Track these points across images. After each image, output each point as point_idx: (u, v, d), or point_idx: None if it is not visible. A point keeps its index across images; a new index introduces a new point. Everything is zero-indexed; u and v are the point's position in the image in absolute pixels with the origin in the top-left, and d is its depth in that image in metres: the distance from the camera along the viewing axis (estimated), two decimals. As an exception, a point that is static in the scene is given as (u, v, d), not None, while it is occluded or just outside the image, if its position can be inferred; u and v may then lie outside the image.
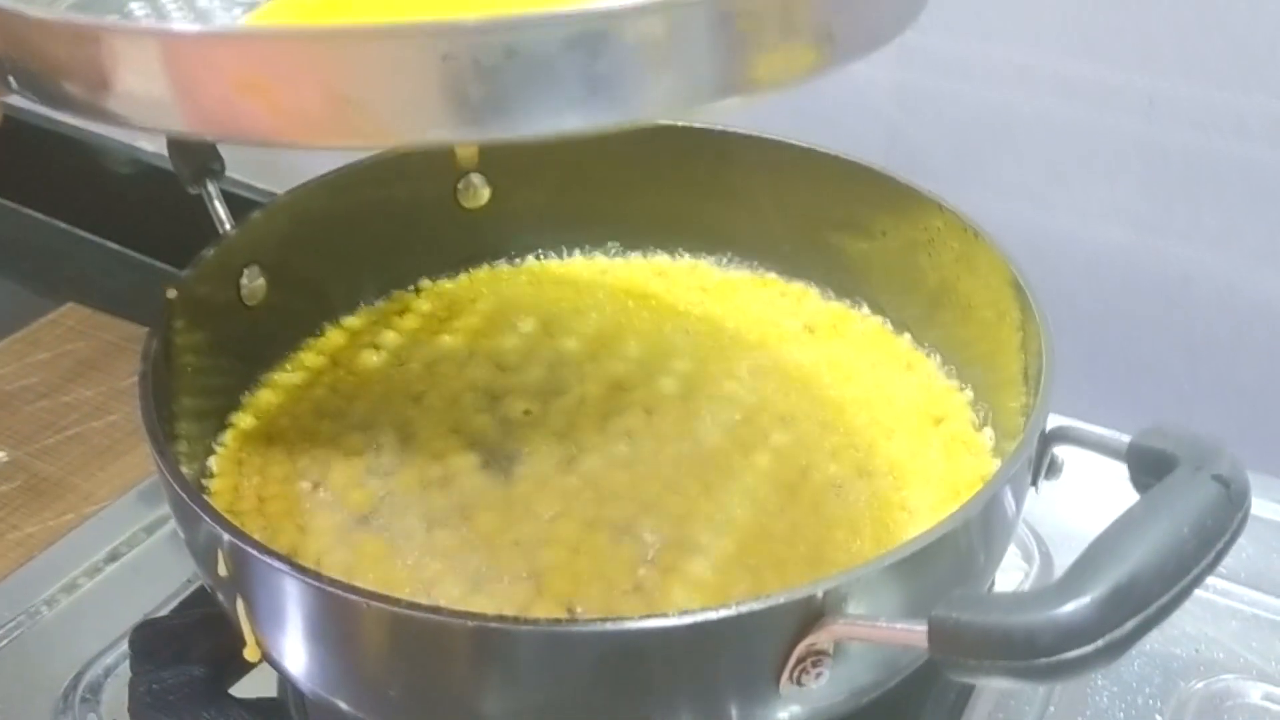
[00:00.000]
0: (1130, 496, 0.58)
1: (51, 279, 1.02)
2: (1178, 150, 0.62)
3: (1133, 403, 0.68)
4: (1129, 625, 0.32)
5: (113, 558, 0.59)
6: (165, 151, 0.98)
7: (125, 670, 0.52)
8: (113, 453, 0.84)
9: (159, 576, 0.58)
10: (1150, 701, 0.52)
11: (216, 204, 0.53)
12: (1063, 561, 0.58)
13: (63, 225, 1.08)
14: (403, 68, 0.28)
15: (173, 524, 0.60)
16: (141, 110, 0.31)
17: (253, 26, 0.38)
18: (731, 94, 0.31)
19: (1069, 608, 0.32)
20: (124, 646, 0.53)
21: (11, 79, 0.33)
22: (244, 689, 0.51)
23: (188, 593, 0.57)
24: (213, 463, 0.51)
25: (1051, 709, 0.51)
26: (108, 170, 1.03)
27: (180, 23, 0.41)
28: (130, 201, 1.04)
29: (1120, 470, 0.60)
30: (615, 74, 0.29)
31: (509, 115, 0.28)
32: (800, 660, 0.37)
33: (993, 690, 0.52)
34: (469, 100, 0.28)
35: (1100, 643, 0.32)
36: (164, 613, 0.56)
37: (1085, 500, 0.58)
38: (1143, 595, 0.32)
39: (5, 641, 0.54)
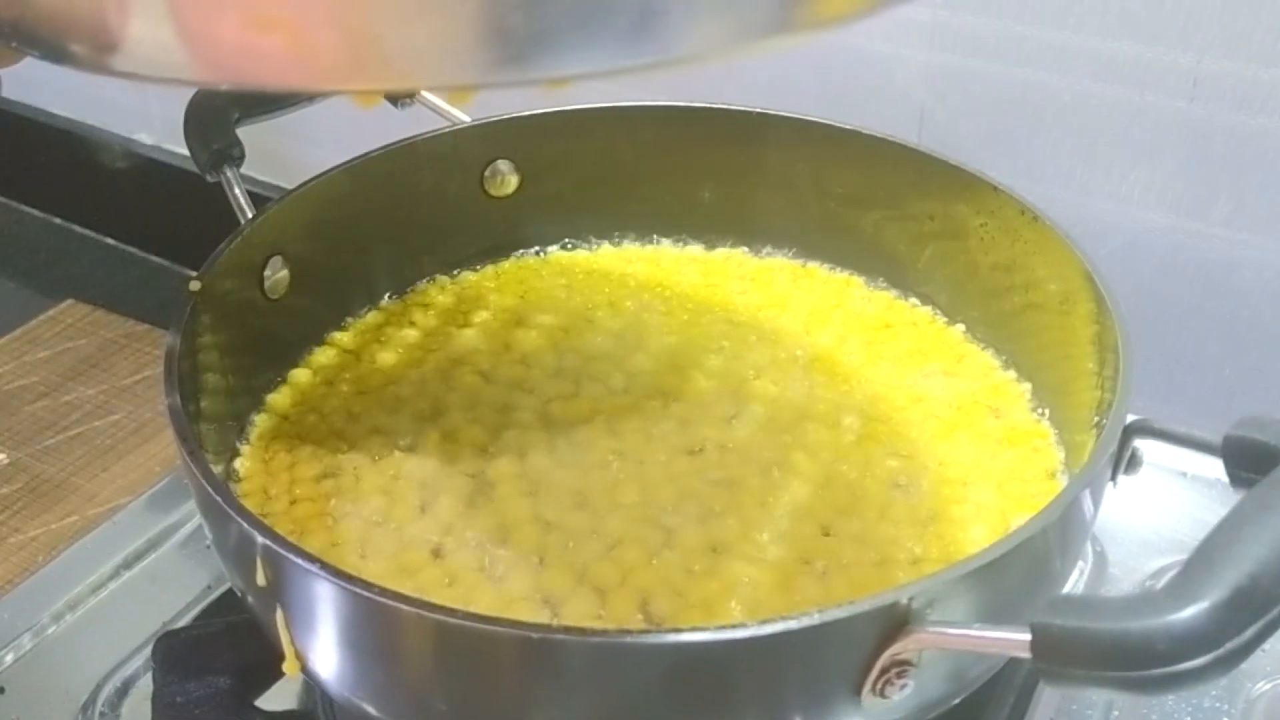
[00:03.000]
0: (1186, 488, 0.58)
1: (49, 276, 1.01)
2: (1221, 131, 0.60)
3: (1174, 390, 0.67)
4: (1250, 632, 0.30)
5: (127, 565, 0.57)
6: (163, 144, 0.98)
7: (146, 682, 0.51)
8: (116, 453, 0.82)
9: (176, 584, 0.56)
10: (1217, 704, 0.50)
11: (237, 192, 0.51)
12: (1116, 557, 0.56)
13: (59, 221, 1.06)
14: None
15: (188, 529, 0.59)
16: (149, 59, 0.27)
17: None
18: (794, 30, 0.27)
19: (1187, 613, 0.30)
20: (143, 658, 0.52)
21: (9, 34, 0.30)
22: (270, 700, 0.49)
23: (207, 601, 0.55)
24: (239, 464, 0.49)
25: (1115, 713, 0.50)
26: (104, 164, 1.02)
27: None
28: (127, 196, 1.02)
29: (1173, 462, 0.59)
30: (670, 2, 0.26)
31: (551, 51, 0.26)
32: (884, 671, 0.34)
33: (1053, 694, 0.50)
34: (511, 33, 0.25)
35: (1220, 651, 0.30)
36: (183, 621, 0.54)
37: (1137, 494, 0.56)
38: (1265, 598, 0.30)
39: (20, 655, 0.52)
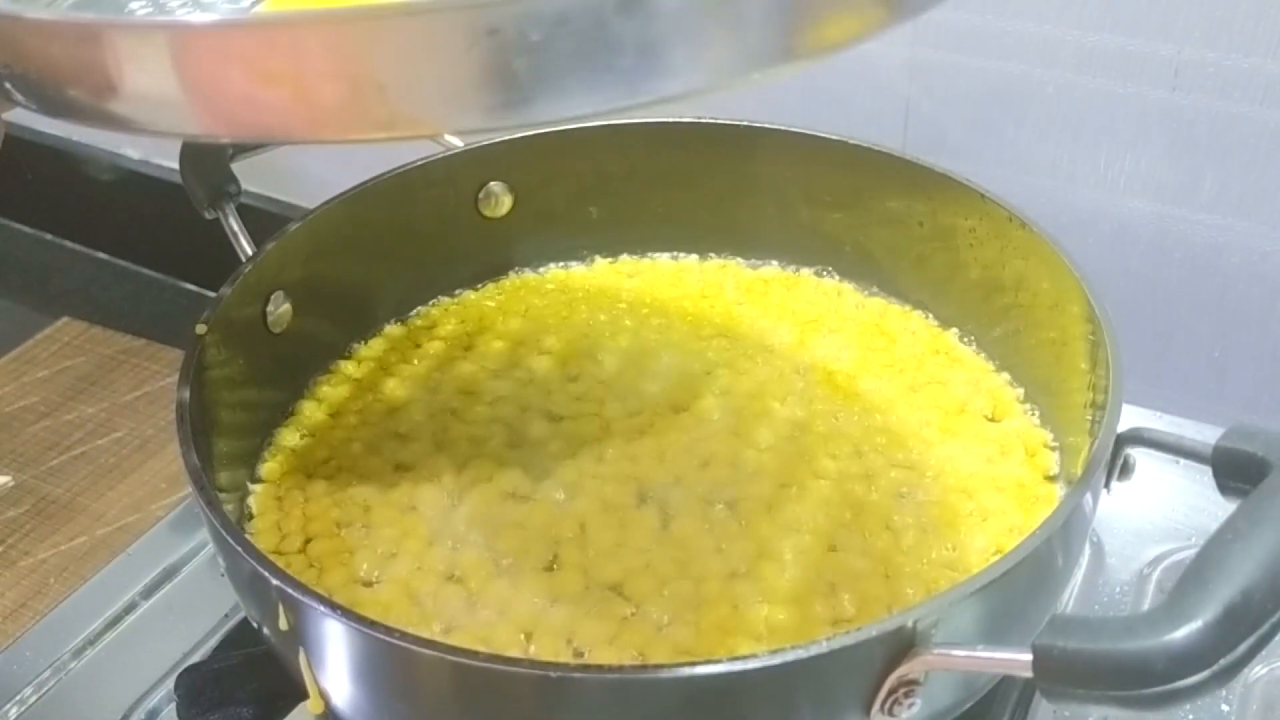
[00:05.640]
0: (1180, 475, 0.58)
1: (43, 293, 1.01)
2: (1204, 118, 0.61)
3: (1165, 374, 0.68)
4: (1243, 647, 0.31)
5: (144, 596, 0.57)
6: (150, 158, 0.98)
7: (169, 714, 0.51)
8: (120, 471, 0.82)
9: (194, 612, 0.56)
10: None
11: (235, 227, 0.52)
12: (1113, 548, 0.57)
13: (50, 237, 1.06)
14: (443, 47, 0.26)
15: (202, 557, 0.59)
16: (155, 114, 0.28)
17: (272, 13, 0.35)
18: (795, 58, 0.28)
19: (1182, 632, 0.31)
20: (165, 690, 0.52)
21: (12, 89, 0.30)
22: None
23: (226, 629, 0.55)
24: (251, 501, 0.49)
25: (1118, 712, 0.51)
26: (92, 179, 1.02)
27: (193, 14, 0.38)
28: (117, 211, 1.02)
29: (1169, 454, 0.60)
30: (672, 38, 0.26)
31: (556, 94, 0.26)
32: (892, 691, 0.35)
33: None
34: (515, 79, 0.26)
35: (1216, 667, 0.31)
36: (204, 650, 0.54)
37: (1131, 483, 0.57)
38: (1257, 614, 0.31)
39: (43, 692, 0.53)
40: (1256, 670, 0.52)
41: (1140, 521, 0.58)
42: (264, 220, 0.53)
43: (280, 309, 0.52)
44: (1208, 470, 0.39)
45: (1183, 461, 0.59)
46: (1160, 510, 0.58)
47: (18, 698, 0.52)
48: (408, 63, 0.26)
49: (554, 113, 0.26)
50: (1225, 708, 0.50)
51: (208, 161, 0.53)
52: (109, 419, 0.87)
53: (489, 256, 0.61)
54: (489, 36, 0.25)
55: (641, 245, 0.62)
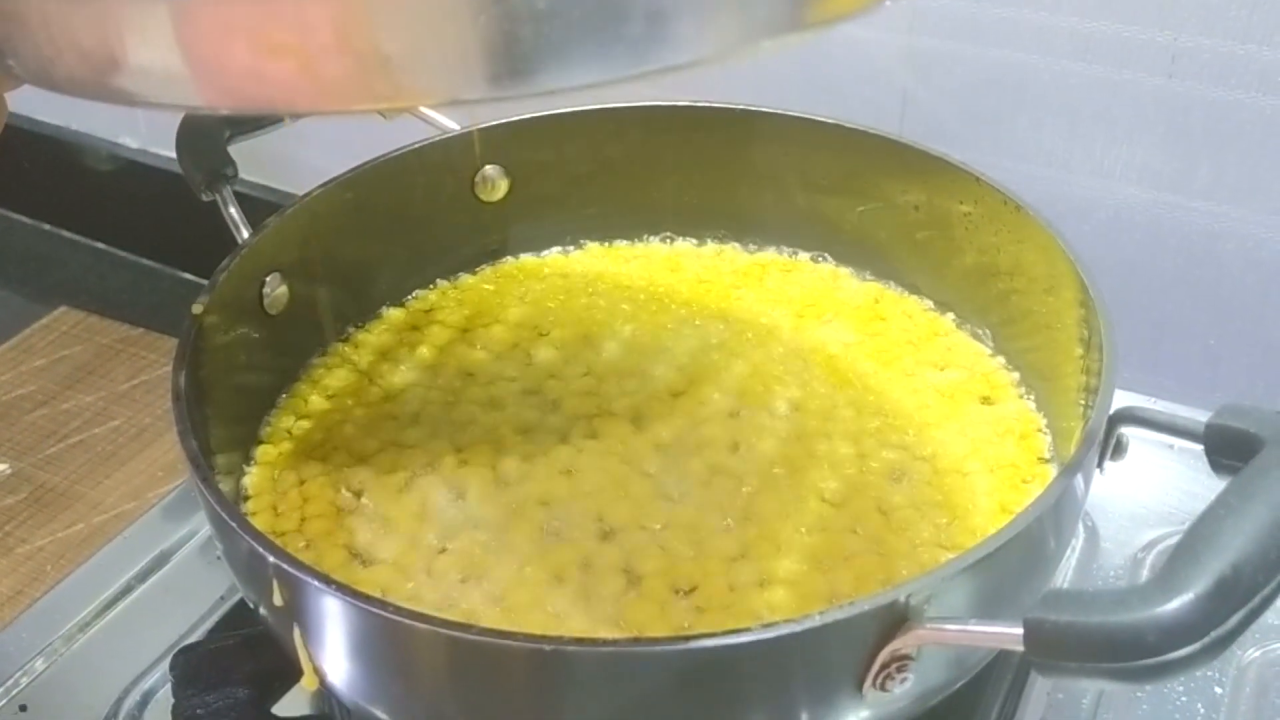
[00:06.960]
0: (1174, 460, 0.59)
1: (40, 283, 1.01)
2: (1200, 106, 0.61)
3: (1160, 359, 0.68)
4: (1234, 620, 0.31)
5: (140, 579, 0.57)
6: (148, 147, 0.98)
7: (165, 694, 0.51)
8: (117, 459, 0.83)
9: (189, 595, 0.56)
10: (1209, 673, 0.51)
11: (232, 210, 0.52)
12: (1107, 532, 0.57)
13: (48, 227, 1.06)
14: (449, 15, 0.25)
15: (198, 540, 0.59)
16: (158, 86, 0.28)
17: None
18: (803, 27, 0.27)
19: (1173, 605, 0.31)
20: (161, 671, 0.52)
21: (14, 65, 0.30)
22: (286, 706, 0.50)
23: (221, 611, 0.55)
24: (247, 482, 0.49)
25: (1110, 686, 0.51)
26: (90, 169, 1.02)
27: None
28: (115, 200, 1.03)
29: (1160, 435, 0.60)
30: (681, 6, 0.26)
31: (562, 63, 0.26)
32: (884, 666, 0.36)
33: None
34: (521, 47, 0.25)
35: (1207, 640, 0.31)
36: (199, 632, 0.54)
37: (1125, 468, 0.57)
38: (1247, 587, 0.31)
39: (40, 672, 0.53)
40: (1250, 653, 0.52)
41: (1134, 506, 0.58)
42: (260, 208, 0.53)
43: (277, 291, 0.52)
44: (1201, 456, 0.39)
45: (1176, 446, 0.60)
46: (1154, 495, 0.58)
47: (11, 681, 0.52)
48: (413, 31, 0.26)
49: (559, 82, 0.26)
50: (1219, 690, 0.50)
51: (205, 143, 0.53)
52: (106, 407, 0.87)
53: (486, 241, 0.61)
54: (496, 4, 0.25)
55: (638, 230, 0.63)
